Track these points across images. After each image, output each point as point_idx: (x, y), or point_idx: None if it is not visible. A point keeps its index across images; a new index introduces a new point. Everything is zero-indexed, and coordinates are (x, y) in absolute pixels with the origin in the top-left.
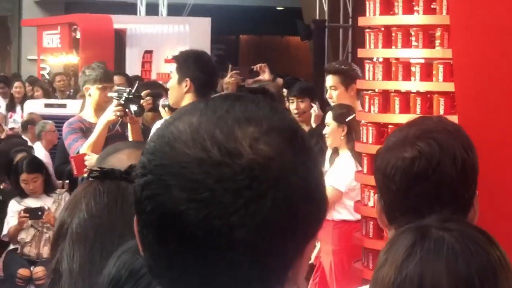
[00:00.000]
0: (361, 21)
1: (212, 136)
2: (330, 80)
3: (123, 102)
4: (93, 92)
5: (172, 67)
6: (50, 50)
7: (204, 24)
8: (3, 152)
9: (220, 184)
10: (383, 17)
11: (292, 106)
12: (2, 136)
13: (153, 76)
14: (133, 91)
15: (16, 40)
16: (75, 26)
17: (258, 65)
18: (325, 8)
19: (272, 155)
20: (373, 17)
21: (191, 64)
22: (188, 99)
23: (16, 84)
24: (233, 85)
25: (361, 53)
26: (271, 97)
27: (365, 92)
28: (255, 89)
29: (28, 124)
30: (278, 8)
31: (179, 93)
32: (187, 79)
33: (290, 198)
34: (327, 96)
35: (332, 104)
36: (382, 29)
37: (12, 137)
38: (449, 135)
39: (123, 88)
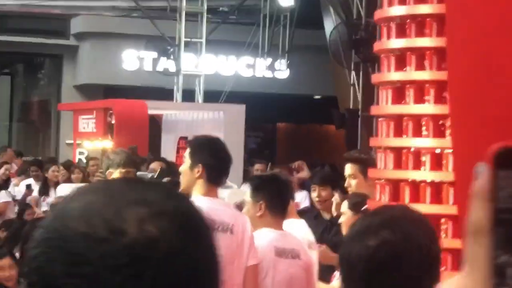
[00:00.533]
0: (373, 110)
1: (101, 213)
2: (349, 168)
3: None
4: (115, 176)
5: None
6: (85, 135)
7: (238, 111)
8: (27, 234)
9: (101, 260)
10: (395, 106)
11: (314, 194)
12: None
13: None
14: (155, 177)
15: (55, 124)
16: (110, 111)
17: (296, 163)
18: (359, 97)
19: (157, 237)
20: (385, 106)
21: (204, 150)
22: (199, 184)
23: (53, 168)
24: None
25: (372, 142)
26: (280, 185)
27: (376, 180)
28: (266, 177)
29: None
30: (316, 97)
31: (191, 178)
32: (200, 165)
33: (173, 281)
34: (346, 184)
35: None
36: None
37: (37, 220)
38: (413, 224)
39: (145, 173)
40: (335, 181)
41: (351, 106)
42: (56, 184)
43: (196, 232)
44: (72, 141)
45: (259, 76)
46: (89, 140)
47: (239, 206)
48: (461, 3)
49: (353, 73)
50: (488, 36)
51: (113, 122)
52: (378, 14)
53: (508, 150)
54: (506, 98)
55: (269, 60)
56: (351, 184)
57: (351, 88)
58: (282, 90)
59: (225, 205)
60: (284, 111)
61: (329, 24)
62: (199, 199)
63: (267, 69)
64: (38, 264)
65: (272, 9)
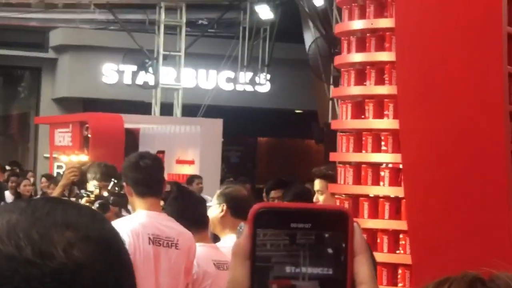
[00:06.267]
0: (334, 124)
1: (27, 235)
2: (317, 184)
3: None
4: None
5: (183, 168)
6: (61, 148)
7: (215, 125)
8: None
9: (27, 283)
10: (354, 121)
11: None
12: None
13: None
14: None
15: (34, 138)
16: (86, 125)
17: None
18: (337, 111)
19: (84, 262)
20: (345, 121)
21: (125, 169)
22: (137, 203)
23: (24, 182)
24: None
25: (333, 156)
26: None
27: (336, 195)
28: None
29: None
30: (297, 111)
31: (130, 199)
32: (124, 184)
33: None
34: (314, 200)
35: None
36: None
37: None
38: None
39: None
40: (310, 197)
41: (329, 120)
42: (30, 197)
43: (119, 261)
44: (49, 155)
45: (240, 90)
46: (65, 153)
47: None
48: (409, 17)
49: (331, 87)
50: (435, 49)
51: (89, 135)
52: (338, 28)
53: (266, 210)
54: (452, 109)
55: (250, 74)
56: (319, 199)
57: (330, 102)
58: (263, 104)
59: (169, 220)
60: (265, 125)
61: (309, 37)
62: (142, 214)
63: (247, 83)
64: None
65: (252, 22)
